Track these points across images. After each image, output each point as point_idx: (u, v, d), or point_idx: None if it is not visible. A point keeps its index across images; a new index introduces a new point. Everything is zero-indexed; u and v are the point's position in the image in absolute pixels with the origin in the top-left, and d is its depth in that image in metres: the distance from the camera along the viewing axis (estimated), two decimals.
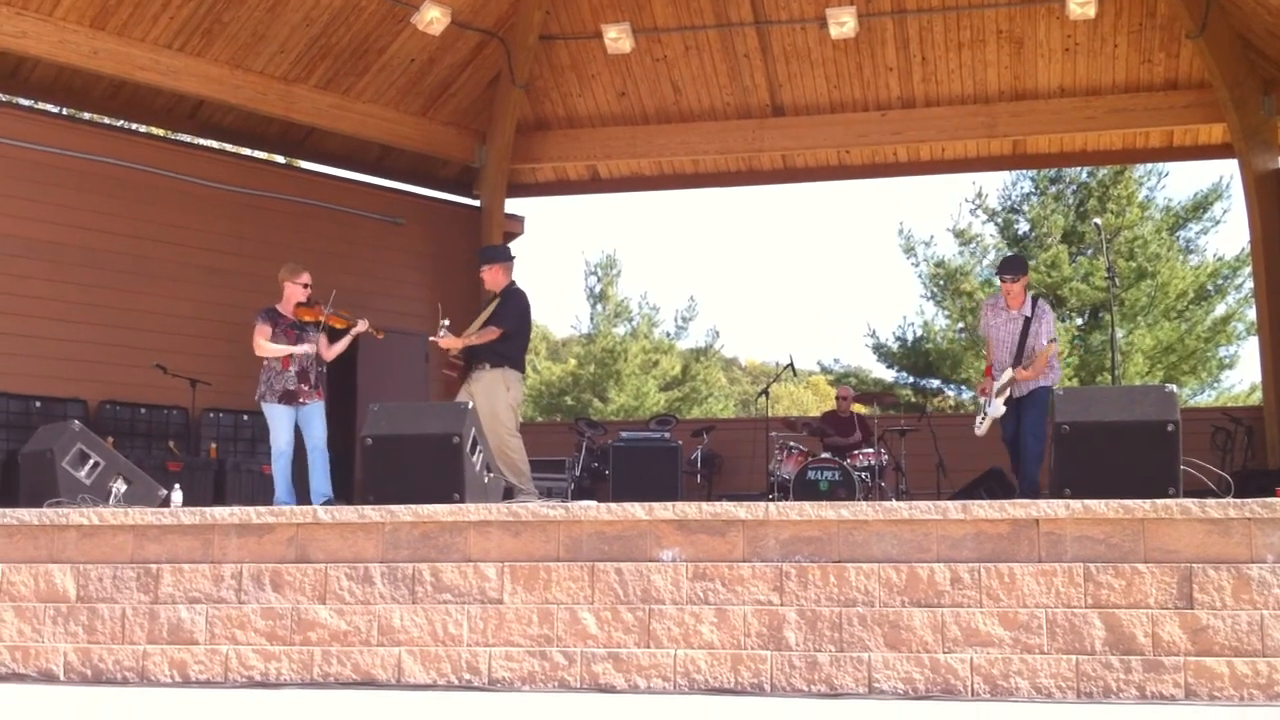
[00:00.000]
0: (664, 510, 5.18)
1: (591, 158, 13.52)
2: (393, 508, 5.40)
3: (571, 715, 4.85)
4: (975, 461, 10.40)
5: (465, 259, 11.38)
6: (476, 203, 13.31)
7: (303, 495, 8.03)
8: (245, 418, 11.12)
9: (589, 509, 5.31)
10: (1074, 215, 22.32)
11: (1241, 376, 26.49)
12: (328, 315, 8.18)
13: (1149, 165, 21.75)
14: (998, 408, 8.06)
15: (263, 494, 9.49)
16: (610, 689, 5.02)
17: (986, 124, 12.48)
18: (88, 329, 10.58)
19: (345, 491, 8.48)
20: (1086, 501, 4.89)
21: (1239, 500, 4.81)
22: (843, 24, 11.54)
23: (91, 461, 6.58)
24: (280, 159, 14.60)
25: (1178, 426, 5.26)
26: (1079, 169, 21.65)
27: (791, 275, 71.60)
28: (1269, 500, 4.79)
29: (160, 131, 12.43)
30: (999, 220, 23.44)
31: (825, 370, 28.80)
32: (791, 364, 11.72)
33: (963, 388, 23.81)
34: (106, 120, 12.72)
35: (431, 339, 8.22)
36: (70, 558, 5.61)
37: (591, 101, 13.10)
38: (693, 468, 11.86)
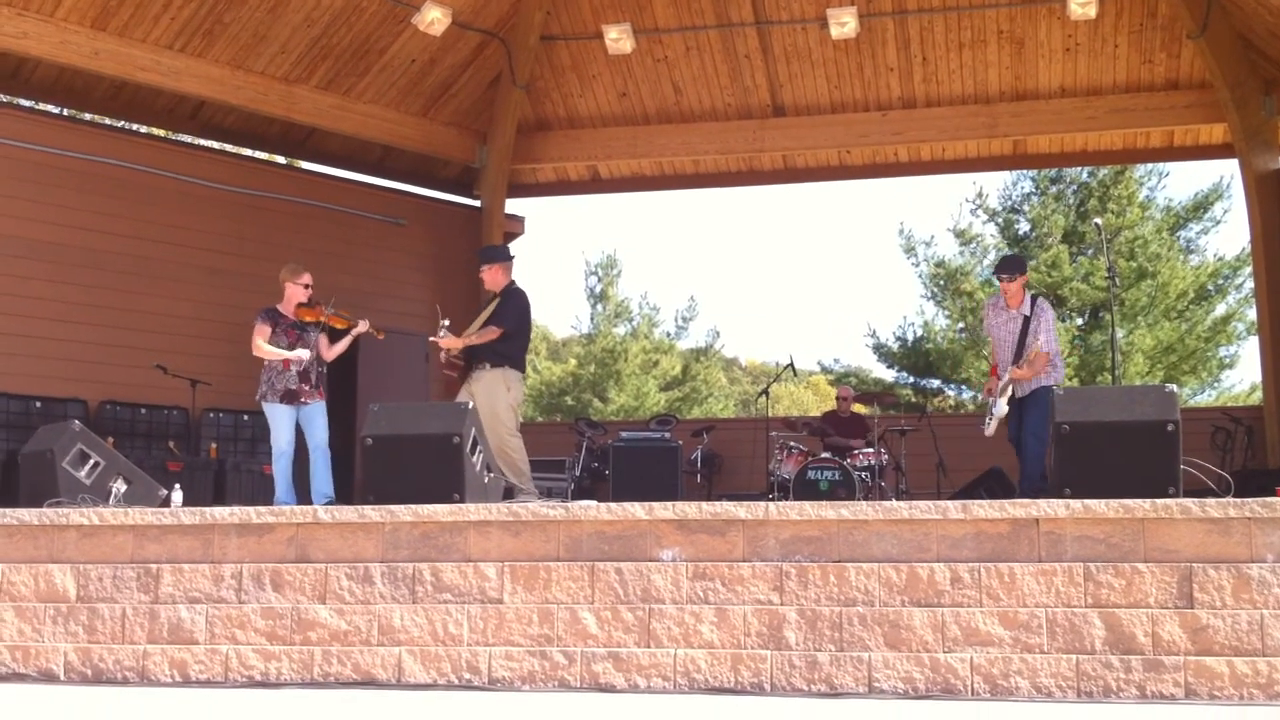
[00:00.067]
0: (664, 510, 5.18)
1: (592, 158, 13.52)
2: (393, 508, 5.40)
3: (572, 715, 4.85)
4: (975, 461, 10.41)
5: (466, 259, 11.38)
6: (477, 203, 13.31)
7: (303, 495, 8.03)
8: (245, 418, 11.12)
9: (589, 509, 5.32)
10: (1074, 215, 22.32)
11: (1242, 376, 26.52)
12: (328, 315, 8.19)
13: (1149, 165, 21.75)
14: (1001, 407, 8.07)
15: (263, 494, 9.49)
16: (610, 688, 5.02)
17: (987, 124, 12.49)
18: (88, 329, 10.58)
19: (345, 491, 8.49)
20: (1086, 501, 4.89)
21: (1239, 500, 4.81)
22: (843, 24, 11.54)
23: (92, 461, 6.58)
24: (281, 159, 14.61)
25: (1178, 426, 5.26)
26: (1079, 169, 21.64)
27: (792, 275, 71.62)
28: (1269, 500, 4.79)
29: (161, 132, 12.44)
30: (999, 220, 23.44)
31: (825, 370, 28.80)
32: (792, 364, 11.72)
33: (963, 388, 23.81)
34: (107, 121, 12.73)
35: (431, 339, 8.22)
36: (70, 558, 5.61)
37: (592, 102, 13.10)
38: (693, 468, 11.86)
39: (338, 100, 12.03)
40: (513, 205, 13.64)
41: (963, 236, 23.57)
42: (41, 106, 12.12)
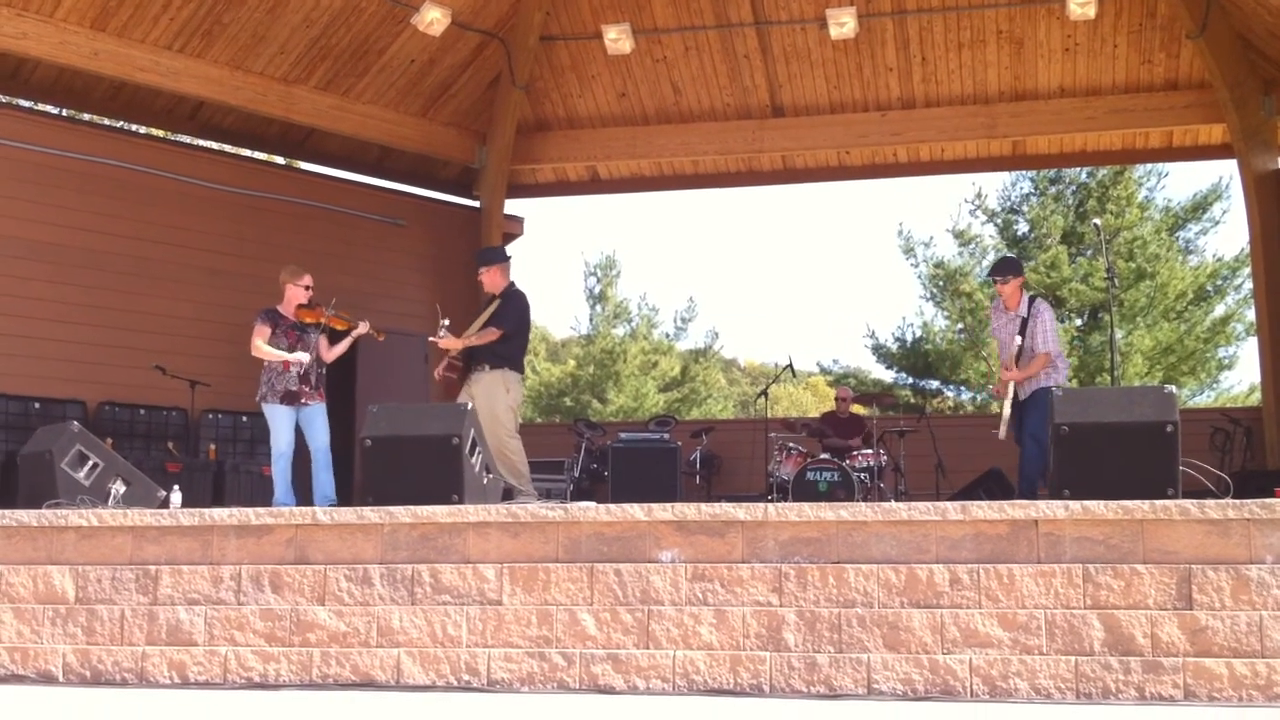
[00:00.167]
0: (663, 511, 5.18)
1: (591, 158, 13.52)
2: (392, 509, 5.40)
3: (571, 716, 4.85)
4: (974, 462, 10.41)
5: (465, 260, 11.38)
6: (476, 204, 13.31)
7: (302, 497, 8.02)
8: (244, 419, 11.12)
9: (588, 510, 5.32)
10: (1073, 216, 22.32)
11: (1240, 377, 26.49)
12: (329, 317, 8.18)
13: (1148, 166, 21.76)
14: (1006, 409, 8.08)
15: (262, 495, 9.48)
16: (609, 690, 5.02)
17: (986, 124, 12.49)
18: (87, 330, 10.58)
19: (344, 492, 8.48)
20: (1085, 502, 4.89)
21: (1238, 501, 4.81)
22: (843, 24, 11.55)
23: (90, 463, 6.58)
24: (280, 160, 14.61)
25: (1177, 427, 5.26)
26: (1078, 169, 21.65)
27: (791, 276, 71.63)
28: (1268, 501, 4.79)
29: (160, 133, 12.44)
30: (998, 221, 23.45)
31: (824, 371, 28.81)
32: (791, 365, 11.72)
33: (962, 389, 23.82)
34: (107, 121, 12.73)
35: (431, 340, 8.22)
36: (69, 559, 5.61)
37: (591, 102, 13.10)
38: (692, 469, 11.86)
39: (337, 101, 12.03)
40: (512, 206, 13.66)
41: (962, 237, 23.59)
42: (41, 107, 12.12)
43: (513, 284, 8.40)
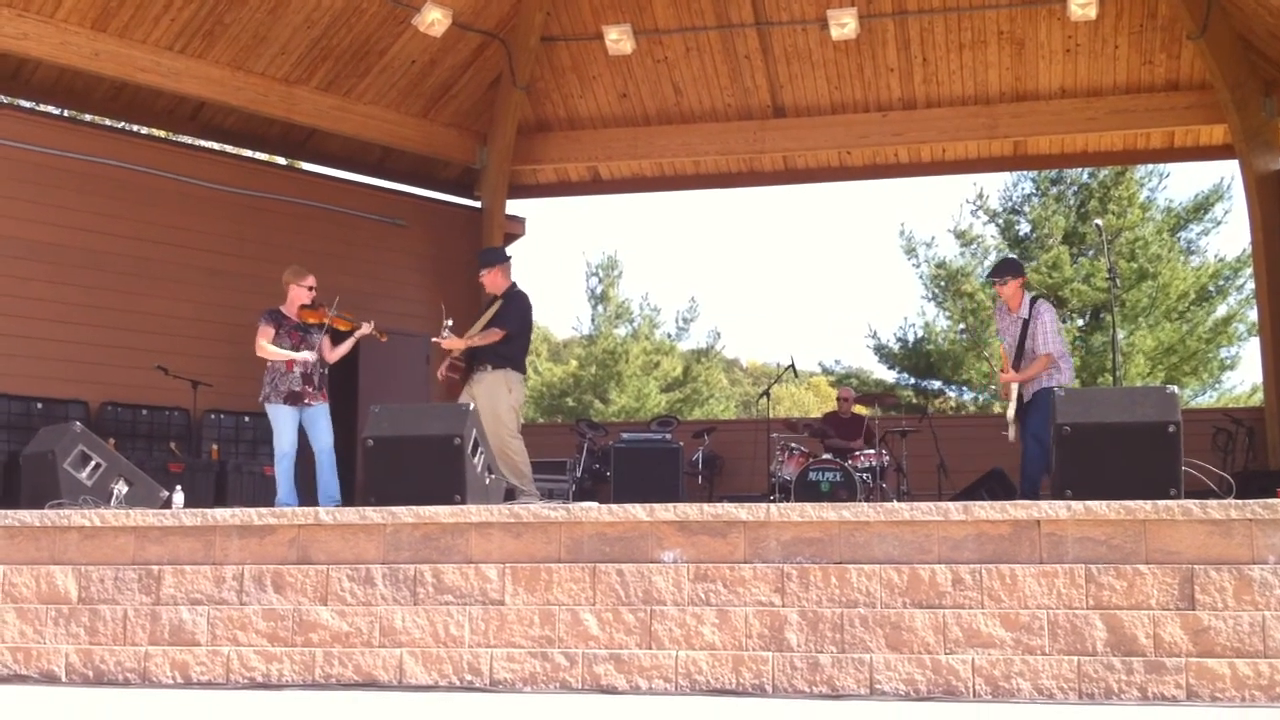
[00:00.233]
0: (665, 511, 5.18)
1: (593, 159, 13.52)
2: (394, 509, 5.40)
3: (573, 716, 4.85)
4: (977, 462, 10.41)
5: (466, 260, 11.39)
6: (477, 204, 13.31)
7: (305, 497, 8.02)
8: (247, 419, 11.12)
9: (590, 510, 5.32)
10: (1075, 216, 22.32)
11: (1243, 377, 26.50)
12: (332, 318, 8.19)
13: (1150, 166, 21.75)
14: (1010, 411, 8.09)
15: (264, 495, 9.48)
16: (612, 690, 5.02)
17: (987, 125, 12.49)
18: (89, 330, 10.58)
19: (346, 493, 8.48)
20: (1088, 503, 4.89)
21: (1240, 501, 4.81)
22: (844, 25, 11.54)
23: (93, 463, 6.58)
24: (281, 160, 14.61)
25: (1179, 427, 5.26)
26: (1080, 170, 21.65)
27: (793, 276, 71.64)
28: (1270, 501, 4.79)
29: (161, 133, 12.44)
30: (1000, 221, 23.45)
31: (826, 371, 28.81)
32: (793, 365, 11.72)
33: (964, 389, 23.82)
34: (108, 122, 12.73)
35: (434, 340, 8.23)
36: (72, 559, 5.61)
37: (592, 103, 13.11)
38: (694, 469, 11.85)
39: (338, 101, 12.03)
40: (513, 206, 13.66)
41: (963, 237, 23.59)
42: (42, 107, 12.12)
43: (514, 285, 8.41)
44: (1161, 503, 4.84)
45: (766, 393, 12.20)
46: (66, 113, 11.89)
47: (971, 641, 4.82)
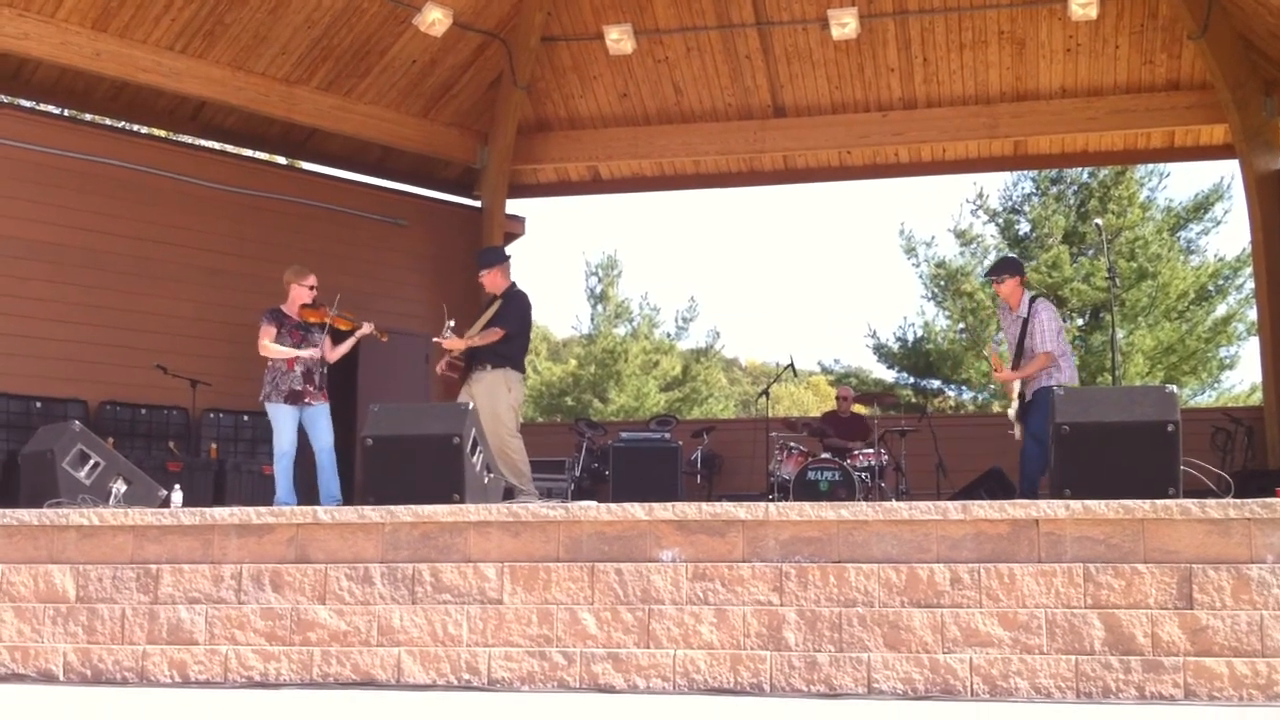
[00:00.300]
0: (664, 511, 5.18)
1: (593, 158, 13.53)
2: (393, 508, 5.40)
3: (571, 715, 4.85)
4: (975, 462, 10.41)
5: (466, 260, 11.38)
6: (478, 204, 13.31)
7: (303, 496, 8.02)
8: (245, 418, 11.13)
9: (589, 509, 5.32)
10: (1075, 216, 22.32)
11: (1242, 377, 26.51)
12: (333, 317, 8.19)
13: (1150, 166, 21.75)
14: (1011, 411, 8.09)
15: (263, 495, 9.49)
16: (610, 689, 5.02)
17: (988, 125, 12.49)
18: (88, 330, 10.59)
19: (345, 492, 8.49)
20: (1086, 502, 4.89)
21: (1239, 500, 4.81)
22: (844, 25, 11.55)
23: (92, 462, 6.58)
24: (282, 160, 14.61)
25: (1178, 427, 5.26)
26: (1080, 170, 21.65)
27: (792, 276, 71.63)
28: (1269, 500, 4.79)
29: (162, 133, 12.44)
30: (1000, 221, 23.45)
31: (825, 371, 28.80)
32: (792, 364, 11.72)
33: (963, 388, 23.82)
34: (108, 122, 12.73)
35: (436, 339, 8.23)
36: (70, 558, 5.61)
37: (593, 102, 13.11)
38: (693, 468, 11.86)
39: (338, 101, 12.03)
40: (513, 206, 13.66)
41: (963, 237, 23.60)
42: (42, 107, 12.13)
43: (514, 284, 8.42)
44: (1160, 502, 4.84)
45: (765, 392, 12.21)
46: (67, 112, 11.90)
47: (970, 641, 4.82)
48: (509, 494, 7.38)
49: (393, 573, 5.31)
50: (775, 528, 5.07)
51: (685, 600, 5.06)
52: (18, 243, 10.30)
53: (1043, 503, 5.00)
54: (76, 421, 6.88)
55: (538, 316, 8.82)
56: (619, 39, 12.08)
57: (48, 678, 5.46)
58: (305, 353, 8.04)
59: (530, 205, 14.79)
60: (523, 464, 8.06)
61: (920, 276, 24.03)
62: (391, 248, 12.71)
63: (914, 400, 22.97)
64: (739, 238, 75.86)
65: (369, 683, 5.21)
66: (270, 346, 8.00)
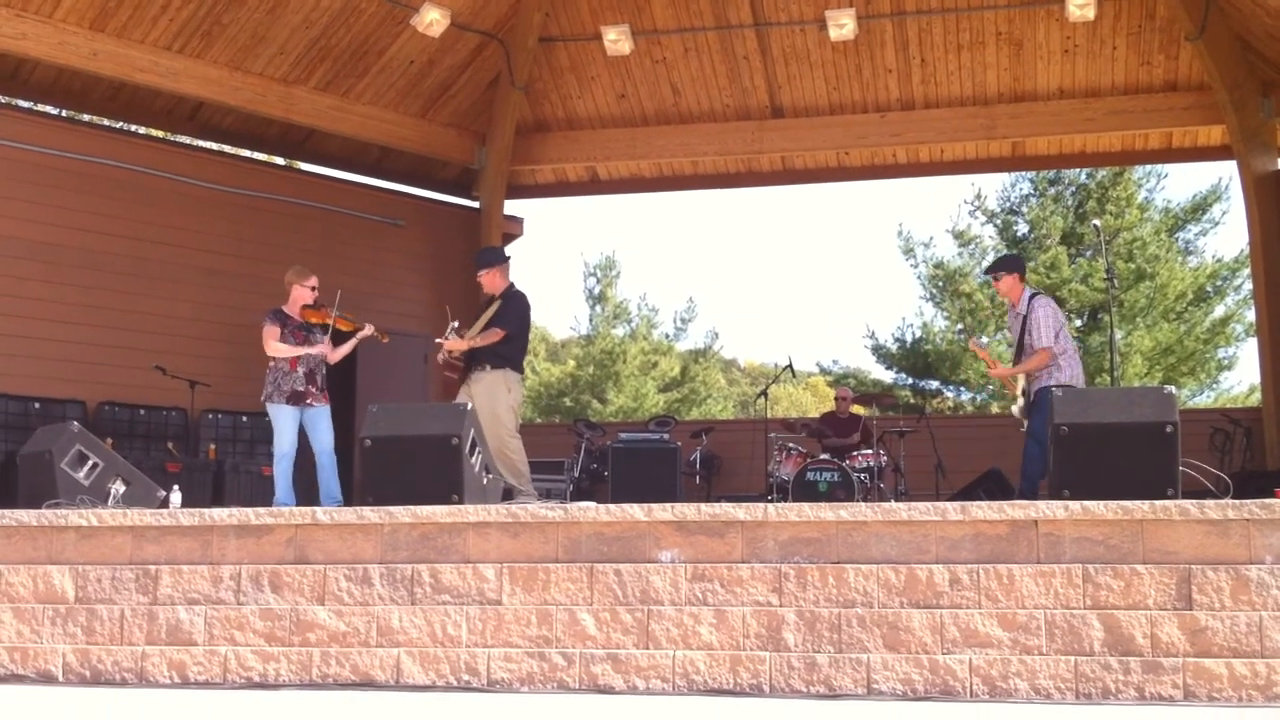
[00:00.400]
0: (663, 511, 5.18)
1: (591, 159, 13.53)
2: (391, 509, 5.40)
3: (570, 716, 4.85)
4: (974, 463, 10.42)
5: (464, 260, 11.38)
6: (476, 204, 13.31)
7: (303, 497, 8.02)
8: (244, 419, 11.12)
9: (588, 510, 5.31)
10: (1073, 217, 22.34)
11: (1240, 378, 26.53)
12: (335, 318, 8.19)
13: (1148, 167, 21.77)
14: (1015, 409, 8.11)
15: (261, 495, 9.48)
16: (609, 690, 5.02)
17: (986, 125, 12.50)
18: (87, 330, 10.58)
19: (345, 493, 8.49)
20: (1085, 503, 4.89)
21: (1238, 501, 4.81)
22: (842, 26, 11.55)
23: (90, 463, 6.58)
24: (280, 160, 14.61)
25: (1176, 428, 5.26)
26: (1078, 170, 21.66)
27: (791, 276, 71.67)
28: (1268, 501, 4.79)
29: (160, 133, 12.43)
30: (998, 222, 23.47)
31: (824, 371, 28.83)
32: (790, 365, 11.72)
33: (962, 389, 23.83)
34: (106, 122, 12.72)
35: (438, 340, 8.23)
36: (69, 559, 5.61)
37: (591, 103, 13.11)
38: (691, 469, 11.85)
39: (336, 101, 12.03)
40: (511, 206, 13.66)
41: (961, 238, 23.61)
42: (40, 107, 12.12)
43: (513, 285, 8.41)
44: (1159, 503, 4.85)
45: (764, 393, 12.21)
46: (65, 113, 11.89)
47: (969, 641, 4.82)
48: (508, 495, 7.38)
49: (392, 573, 5.31)
50: (774, 528, 5.07)
51: (684, 601, 5.06)
52: (16, 243, 10.30)
53: (1041, 504, 5.00)
54: (75, 422, 6.87)
55: (536, 317, 8.83)
56: (617, 40, 12.08)
57: (47, 679, 5.45)
58: (314, 350, 8.04)
59: (528, 206, 14.81)
60: (522, 465, 8.05)
61: (918, 277, 24.07)
62: (389, 248, 12.71)
63: (912, 401, 22.98)
64: (737, 238, 75.91)
65: (368, 683, 5.21)
66: (278, 346, 8.00)
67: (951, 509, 5.00)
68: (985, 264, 22.74)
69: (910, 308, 61.63)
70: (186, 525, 5.55)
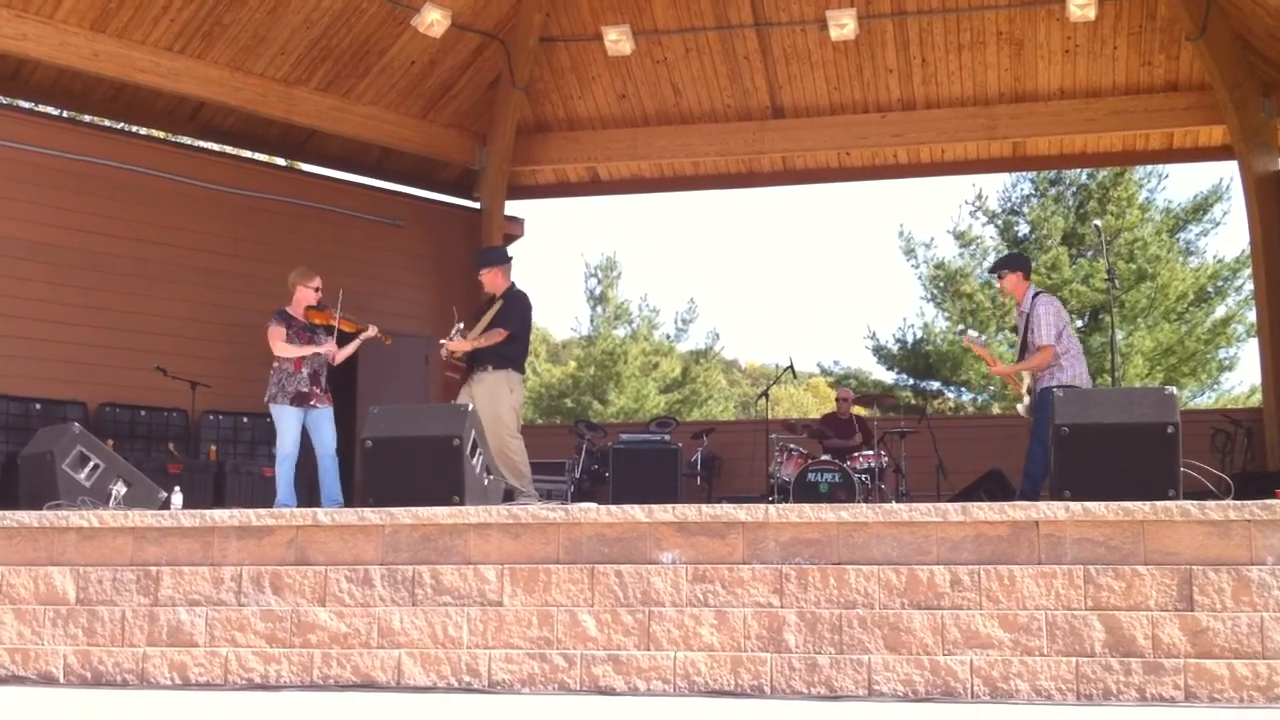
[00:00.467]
0: (664, 512, 5.18)
1: (592, 160, 13.53)
2: (392, 510, 5.40)
3: (571, 717, 4.84)
4: (975, 463, 10.41)
5: (465, 261, 11.38)
6: (477, 205, 13.31)
7: (303, 499, 8.01)
8: (245, 420, 11.12)
9: (589, 511, 5.31)
10: (1074, 217, 22.33)
11: (1241, 378, 26.52)
12: (339, 319, 8.19)
13: (1149, 167, 21.76)
14: (1021, 408, 8.12)
15: (262, 496, 9.48)
16: (610, 691, 5.02)
17: (986, 126, 12.49)
18: (87, 331, 10.58)
19: (346, 494, 8.49)
20: (1086, 504, 4.89)
21: (1239, 502, 4.81)
22: (843, 26, 11.55)
23: (91, 464, 6.58)
24: (281, 161, 14.61)
25: (1177, 428, 5.26)
26: (1079, 171, 21.65)
27: (792, 277, 71.68)
28: (1269, 502, 4.79)
29: (161, 134, 12.43)
30: (999, 222, 23.46)
31: (825, 372, 28.81)
32: (791, 366, 11.71)
33: (962, 390, 23.82)
34: (107, 123, 12.73)
35: (442, 341, 8.23)
36: (70, 560, 5.61)
37: (592, 103, 13.11)
38: (692, 470, 11.85)
39: (337, 102, 12.03)
40: (512, 207, 13.66)
41: (962, 238, 23.60)
42: (41, 108, 12.12)
43: (514, 285, 8.41)
44: (1160, 504, 4.84)
45: (765, 394, 12.21)
46: (65, 113, 11.89)
47: (970, 642, 4.82)
48: (508, 496, 7.38)
49: (392, 575, 5.31)
50: (775, 529, 5.07)
51: (685, 602, 5.06)
52: (16, 244, 10.30)
53: (1042, 504, 5.00)
54: (76, 423, 6.87)
55: (537, 318, 8.83)
56: (618, 40, 12.08)
57: (48, 680, 5.45)
58: (322, 349, 8.05)
59: (529, 206, 14.81)
60: (523, 465, 8.06)
61: (919, 278, 24.05)
62: (390, 249, 12.71)
63: (913, 402, 22.96)
64: (738, 239, 75.92)
65: (369, 685, 5.21)
66: (286, 346, 8.00)
67: (952, 510, 5.00)
68: (988, 264, 22.75)
69: (911, 308, 61.73)
70: (187, 526, 5.55)
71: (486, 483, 6.11)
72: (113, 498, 6.54)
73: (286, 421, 7.95)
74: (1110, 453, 5.28)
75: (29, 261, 10.35)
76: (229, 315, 11.07)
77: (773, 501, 9.47)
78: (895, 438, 10.97)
